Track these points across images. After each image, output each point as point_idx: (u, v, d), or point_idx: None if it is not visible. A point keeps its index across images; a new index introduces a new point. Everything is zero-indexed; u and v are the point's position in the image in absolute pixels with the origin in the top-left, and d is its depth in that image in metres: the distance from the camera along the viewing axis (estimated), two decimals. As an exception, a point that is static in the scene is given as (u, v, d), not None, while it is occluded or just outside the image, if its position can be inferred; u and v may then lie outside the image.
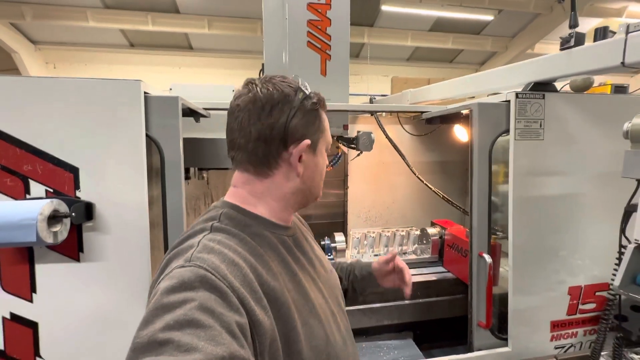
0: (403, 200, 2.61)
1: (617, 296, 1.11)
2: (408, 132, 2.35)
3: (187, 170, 1.65)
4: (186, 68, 6.29)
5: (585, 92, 1.83)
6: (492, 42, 6.68)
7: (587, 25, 5.88)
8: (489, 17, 6.03)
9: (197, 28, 5.44)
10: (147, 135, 1.06)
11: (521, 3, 5.57)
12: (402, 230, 1.93)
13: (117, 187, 1.04)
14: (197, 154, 1.48)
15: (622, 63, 1.01)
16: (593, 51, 1.10)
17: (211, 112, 1.64)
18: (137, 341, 0.45)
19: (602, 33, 1.09)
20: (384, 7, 5.55)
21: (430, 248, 1.83)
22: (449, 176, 2.57)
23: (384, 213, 2.62)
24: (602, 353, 1.19)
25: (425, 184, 2.24)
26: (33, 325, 1.02)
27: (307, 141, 0.66)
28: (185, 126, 1.55)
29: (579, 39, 1.15)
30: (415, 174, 2.23)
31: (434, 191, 2.22)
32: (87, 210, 1.01)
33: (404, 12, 5.70)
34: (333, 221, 2.49)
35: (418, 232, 1.91)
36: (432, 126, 2.20)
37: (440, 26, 6.30)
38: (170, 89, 1.74)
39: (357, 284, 0.98)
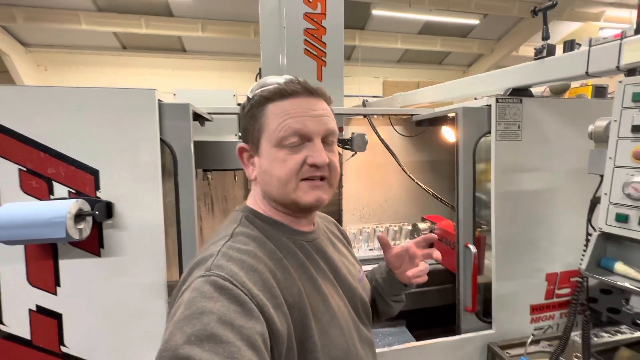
0: (395, 198, 2.74)
1: (585, 279, 1.24)
2: (399, 133, 2.47)
3: (191, 172, 1.73)
4: (180, 71, 6.34)
5: (563, 94, 2.00)
6: (478, 45, 6.91)
7: (568, 28, 6.14)
8: (474, 21, 6.24)
9: (191, 31, 5.50)
10: (161, 140, 1.15)
11: (505, 7, 5.79)
12: (395, 226, 2.05)
13: (134, 187, 1.13)
14: (203, 156, 1.57)
15: (587, 72, 1.15)
16: (561, 61, 1.23)
17: (214, 116, 1.73)
18: (162, 354, 0.45)
19: (569, 45, 1.22)
20: (375, 12, 5.71)
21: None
22: (438, 174, 2.71)
23: (377, 210, 2.74)
24: (573, 333, 1.32)
25: (416, 182, 2.37)
26: (57, 317, 1.10)
27: (241, 145, 0.70)
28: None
29: (550, 50, 1.28)
30: (406, 173, 2.35)
31: (424, 189, 2.35)
32: (108, 209, 1.10)
33: (394, 16, 5.86)
34: (329, 219, 2.60)
35: (410, 227, 2.03)
36: (422, 128, 2.33)
37: (428, 29, 6.49)
38: (175, 95, 1.83)
39: (384, 289, 0.89)
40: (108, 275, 1.12)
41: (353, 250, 0.90)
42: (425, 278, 0.81)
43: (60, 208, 0.96)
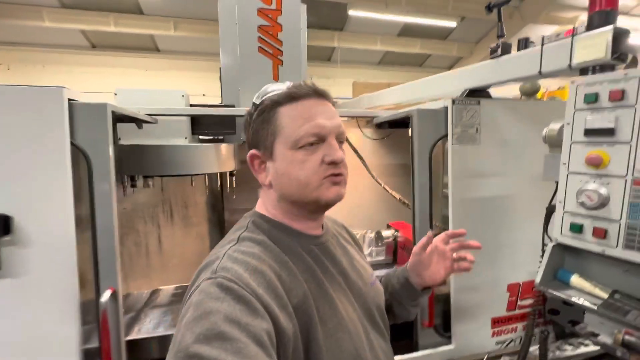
0: (368, 203, 2.65)
1: (543, 293, 1.17)
2: (366, 136, 2.39)
3: (132, 178, 1.60)
4: (153, 71, 6.13)
5: (534, 96, 1.94)
6: (457, 47, 6.96)
7: (544, 31, 6.24)
8: (452, 24, 6.27)
9: (162, 30, 5.32)
10: (72, 144, 1.02)
11: (481, 10, 5.83)
12: (358, 233, 1.95)
13: (39, 198, 0.99)
14: (140, 161, 1.43)
15: (540, 72, 1.08)
16: (515, 61, 1.16)
17: (160, 117, 1.60)
18: (177, 355, 0.48)
19: (524, 43, 1.15)
20: (351, 12, 5.66)
21: (385, 250, 1.86)
22: (410, 178, 2.64)
23: (348, 216, 2.61)
24: (533, 347, 1.24)
25: (383, 187, 2.29)
26: (-56, 349, 0.95)
27: (252, 152, 0.69)
28: (134, 133, 1.51)
29: (505, 49, 1.21)
30: (373, 177, 2.27)
31: (390, 194, 2.27)
32: (4, 224, 0.96)
33: (372, 17, 5.83)
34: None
35: (373, 235, 1.94)
36: (388, 130, 2.25)
37: (408, 31, 6.49)
38: (115, 94, 1.68)
39: (401, 294, 0.88)
40: (8, 299, 0.98)
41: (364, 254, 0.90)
42: (469, 266, 0.88)
43: None
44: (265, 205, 0.73)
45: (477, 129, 1.36)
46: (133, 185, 1.60)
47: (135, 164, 1.42)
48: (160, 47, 5.92)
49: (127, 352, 1.12)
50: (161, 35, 5.46)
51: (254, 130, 0.69)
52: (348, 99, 3.33)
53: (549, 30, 6.18)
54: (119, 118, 1.30)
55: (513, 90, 1.84)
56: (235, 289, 0.54)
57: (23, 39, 5.40)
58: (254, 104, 0.70)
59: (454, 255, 0.88)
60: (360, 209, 2.60)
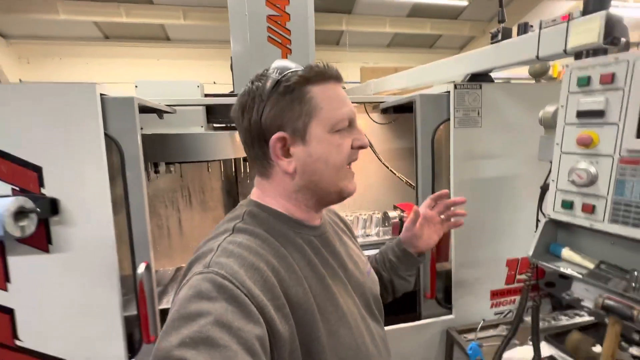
0: (375, 185, 2.74)
1: (535, 265, 1.25)
2: (374, 121, 2.45)
3: (155, 165, 1.73)
4: (165, 60, 6.23)
5: (542, 77, 1.96)
6: (469, 27, 6.76)
7: (561, 9, 5.99)
8: (463, 2, 6.09)
9: (173, 19, 5.37)
10: (105, 135, 1.14)
11: (495, -13, 5.64)
12: (365, 214, 2.05)
13: (80, 184, 1.12)
14: (162, 149, 1.56)
15: (537, 57, 1.12)
16: (514, 46, 1.20)
17: (178, 107, 1.71)
18: (156, 354, 0.44)
19: (523, 28, 1.19)
20: (360, -6, 5.56)
21: (391, 230, 1.96)
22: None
23: (357, 199, 2.75)
24: (526, 318, 1.34)
25: (390, 170, 2.37)
26: (9, 312, 1.11)
27: (278, 134, 0.60)
28: (153, 122, 1.63)
29: (506, 34, 1.25)
30: (380, 160, 2.34)
31: (397, 176, 2.34)
32: (53, 206, 1.10)
33: (381, -1, 5.71)
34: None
35: (380, 216, 2.03)
36: (395, 115, 2.31)
37: (418, 12, 6.34)
38: (136, 86, 1.80)
39: (399, 269, 0.89)
40: (58, 270, 1.13)
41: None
42: (461, 221, 0.94)
43: (-3, 206, 0.96)
44: (267, 194, 0.67)
45: (478, 113, 1.42)
46: (156, 172, 1.74)
47: (159, 152, 1.55)
48: (171, 36, 5.99)
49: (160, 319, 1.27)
50: (171, 25, 5.52)
51: (279, 109, 0.59)
52: (357, 83, 3.36)
53: (566, 6, 5.92)
54: (141, 109, 1.42)
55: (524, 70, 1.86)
56: (229, 287, 0.49)
57: (40, 33, 5.56)
58: (270, 78, 0.60)
59: (442, 216, 0.91)
60: (369, 191, 2.69)
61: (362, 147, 0.65)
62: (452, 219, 0.92)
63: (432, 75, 1.69)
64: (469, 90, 1.40)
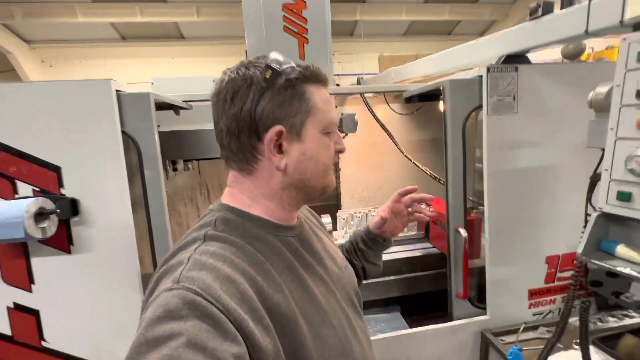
0: (396, 179, 2.64)
1: (585, 263, 1.14)
2: (394, 111, 2.34)
3: (174, 162, 1.70)
4: (180, 58, 6.26)
5: (577, 58, 1.80)
6: (491, 11, 6.44)
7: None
8: (485, -16, 5.79)
9: (186, 16, 5.38)
10: (123, 132, 1.11)
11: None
12: (389, 209, 1.97)
13: (99, 183, 1.10)
14: (180, 146, 1.52)
15: (586, 31, 1.00)
16: (558, 20, 1.08)
17: (194, 103, 1.67)
18: None
19: (567, 1, 1.07)
20: (375, -19, 5.38)
21: (417, 225, 1.87)
22: (440, 153, 2.57)
23: (377, 193, 2.67)
24: (573, 318, 1.23)
25: (413, 162, 2.26)
26: (35, 313, 1.11)
27: (277, 128, 0.57)
28: (169, 119, 1.60)
29: (547, 8, 1.13)
30: (402, 153, 2.25)
31: (421, 169, 2.24)
32: (73, 206, 1.08)
33: (397, -15, 5.50)
34: (326, 204, 2.55)
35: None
36: (417, 104, 2.20)
37: (435, -3, 6.09)
38: (152, 83, 1.77)
39: (370, 254, 0.94)
40: (81, 271, 1.11)
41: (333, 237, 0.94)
42: (420, 216, 0.96)
43: (18, 208, 0.94)
44: (244, 194, 0.63)
45: (514, 98, 1.30)
46: (175, 169, 1.72)
47: (176, 149, 1.52)
48: (185, 34, 6.01)
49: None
50: (185, 22, 5.54)
51: (278, 102, 0.57)
52: (374, 74, 3.25)
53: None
54: (159, 106, 1.38)
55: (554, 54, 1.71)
56: (202, 304, 0.45)
57: (61, 37, 5.69)
58: (269, 68, 0.57)
59: (409, 209, 0.95)
60: (388, 185, 2.60)
61: (341, 151, 0.67)
62: (417, 215, 0.96)
63: (460, 59, 1.57)
64: (504, 74, 1.28)
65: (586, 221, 1.09)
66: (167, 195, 2.08)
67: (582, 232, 1.09)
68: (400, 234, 1.89)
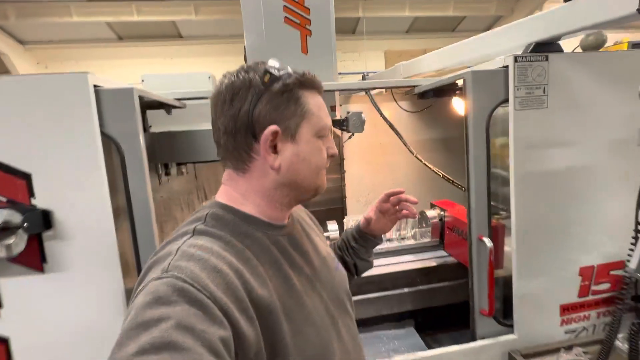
0: (404, 181, 2.50)
1: (636, 280, 1.00)
2: (403, 109, 2.21)
3: (166, 166, 1.57)
4: (178, 58, 6.15)
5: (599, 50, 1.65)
6: (496, 6, 6.30)
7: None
8: (491, -22, 5.65)
9: (184, 15, 5.26)
10: (102, 133, 0.97)
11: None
12: (400, 215, 1.82)
13: (75, 191, 0.96)
14: (172, 148, 1.39)
15: (639, 10, 0.86)
16: (600, 0, 0.94)
17: (188, 102, 1.54)
18: None
19: (613, -24, 0.92)
20: (377, -24, 5.24)
21: (430, 231, 1.73)
22: (452, 153, 2.43)
23: (384, 196, 2.52)
24: (617, 336, 1.09)
25: (424, 163, 2.12)
26: (4, 341, 0.97)
27: (273, 127, 0.60)
28: (163, 120, 1.46)
29: (586, -13, 0.99)
30: (412, 153, 2.11)
31: (433, 170, 2.10)
32: (45, 218, 0.94)
33: (400, -20, 5.37)
34: (331, 207, 2.41)
35: (417, 215, 1.80)
36: (428, 101, 2.06)
37: (439, -8, 5.95)
38: (142, 81, 1.64)
39: (361, 251, 0.98)
40: (56, 291, 0.97)
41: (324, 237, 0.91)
42: (407, 213, 0.96)
43: (-24, 223, 0.81)
44: (238, 192, 0.66)
45: (544, 90, 1.16)
46: (167, 174, 1.58)
47: (168, 151, 1.38)
48: (183, 33, 5.89)
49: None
50: (183, 21, 5.41)
51: (275, 104, 0.62)
52: (373, 72, 3.11)
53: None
54: (149, 105, 1.25)
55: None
56: (191, 290, 0.48)
57: (56, 37, 5.57)
58: (267, 72, 0.62)
59: (397, 207, 0.96)
60: (396, 186, 2.46)
61: (333, 155, 0.70)
62: (403, 212, 0.98)
63: (479, 50, 1.43)
64: (533, 63, 1.14)
65: (637, 231, 0.95)
66: (162, 200, 1.94)
67: (632, 244, 0.95)
68: (414, 241, 1.75)
